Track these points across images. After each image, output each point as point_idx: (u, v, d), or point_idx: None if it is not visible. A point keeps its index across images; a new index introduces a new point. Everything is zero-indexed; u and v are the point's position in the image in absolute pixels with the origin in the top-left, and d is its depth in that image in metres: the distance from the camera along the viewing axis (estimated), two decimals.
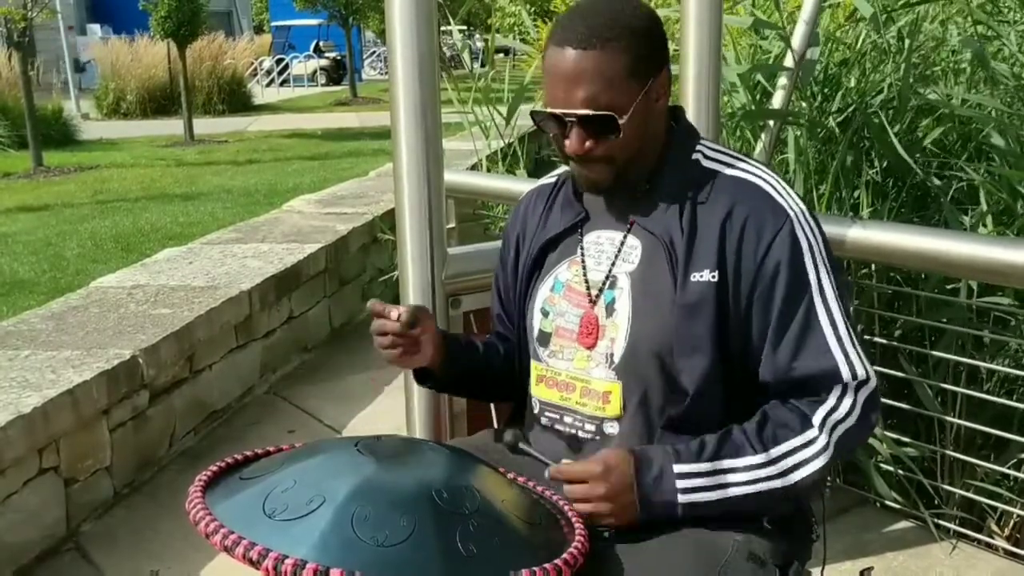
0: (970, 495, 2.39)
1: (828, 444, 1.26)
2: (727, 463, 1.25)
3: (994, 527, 2.42)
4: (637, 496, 1.24)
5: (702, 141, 1.41)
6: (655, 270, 1.33)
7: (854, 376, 1.28)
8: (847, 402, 1.28)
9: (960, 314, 2.40)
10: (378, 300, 1.40)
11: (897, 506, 2.50)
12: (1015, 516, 2.38)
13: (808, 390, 1.29)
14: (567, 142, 1.31)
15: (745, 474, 1.25)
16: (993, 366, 2.37)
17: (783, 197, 1.32)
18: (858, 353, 1.30)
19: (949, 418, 2.37)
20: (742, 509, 1.27)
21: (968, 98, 2.64)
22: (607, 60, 1.26)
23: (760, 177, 1.34)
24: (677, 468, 1.24)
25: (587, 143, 1.30)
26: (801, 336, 1.28)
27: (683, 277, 1.30)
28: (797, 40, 2.39)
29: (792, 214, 1.30)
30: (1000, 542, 2.39)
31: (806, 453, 1.26)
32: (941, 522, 2.42)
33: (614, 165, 1.32)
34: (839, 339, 1.28)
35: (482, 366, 1.56)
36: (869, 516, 2.54)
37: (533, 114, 1.36)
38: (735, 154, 1.40)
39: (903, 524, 2.50)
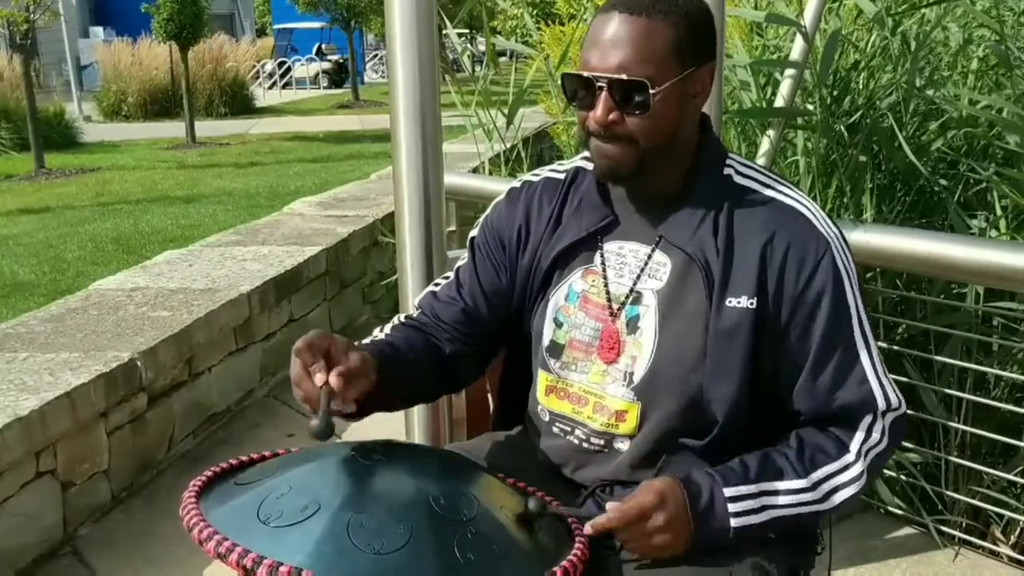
0: (975, 502, 2.37)
1: (863, 471, 1.26)
2: (771, 486, 1.23)
3: (998, 534, 2.40)
4: (692, 523, 1.20)
5: (731, 155, 1.36)
6: (687, 291, 1.28)
7: (888, 404, 1.27)
8: (877, 430, 1.28)
9: (966, 319, 2.39)
10: (304, 348, 1.16)
11: (900, 512, 2.48)
12: (1021, 523, 2.36)
13: (844, 419, 1.28)
14: (592, 113, 1.22)
15: (788, 497, 1.24)
16: (999, 371, 2.35)
17: (821, 223, 1.28)
18: (889, 380, 1.29)
19: (953, 424, 2.35)
20: (782, 529, 1.25)
21: (979, 99, 2.62)
22: (653, 30, 1.20)
23: (798, 201, 1.30)
24: (727, 492, 1.21)
25: (612, 114, 1.22)
26: (843, 366, 1.26)
27: (719, 301, 1.25)
28: (808, 17, 2.36)
29: (831, 240, 1.27)
30: (1004, 549, 2.36)
31: (844, 478, 1.25)
32: (944, 529, 2.40)
33: (637, 148, 1.24)
34: (874, 368, 1.27)
35: (415, 375, 1.37)
36: (872, 522, 2.52)
37: (563, 76, 1.27)
38: (766, 172, 1.35)
39: (906, 530, 2.48)
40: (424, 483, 1.15)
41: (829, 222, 1.30)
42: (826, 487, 1.25)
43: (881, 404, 1.27)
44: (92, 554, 2.59)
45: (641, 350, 1.30)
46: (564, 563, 1.11)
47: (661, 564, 1.22)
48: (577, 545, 1.17)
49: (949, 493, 2.41)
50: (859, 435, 1.27)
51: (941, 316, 2.44)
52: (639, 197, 1.34)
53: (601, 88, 1.22)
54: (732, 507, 1.21)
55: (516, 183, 1.49)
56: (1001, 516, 2.38)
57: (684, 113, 1.26)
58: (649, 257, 1.32)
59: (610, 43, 1.21)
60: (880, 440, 1.28)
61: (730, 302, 1.25)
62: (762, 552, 1.25)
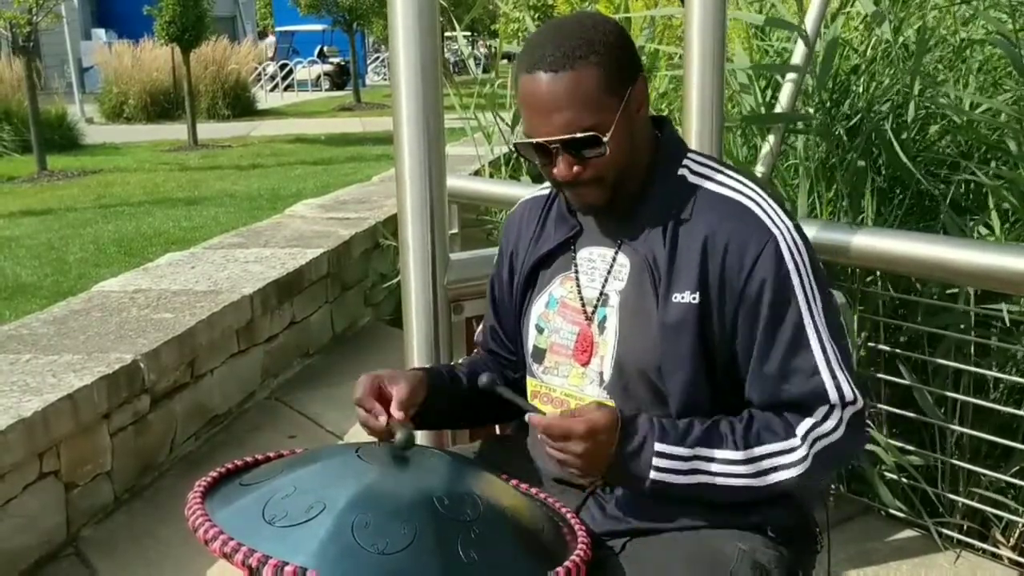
0: (974, 504, 2.38)
1: (807, 456, 1.25)
2: (707, 452, 1.25)
3: (999, 536, 2.41)
4: (611, 461, 1.23)
5: (689, 154, 1.39)
6: (641, 289, 1.33)
7: (841, 398, 1.27)
8: (832, 420, 1.27)
9: (960, 320, 2.39)
10: (364, 397, 1.32)
11: (901, 515, 2.48)
12: (1020, 525, 2.37)
13: (795, 409, 1.28)
14: (555, 170, 1.29)
15: (721, 466, 1.25)
16: (994, 373, 2.35)
17: (767, 215, 1.29)
18: (846, 374, 1.28)
19: (952, 426, 2.35)
20: (709, 497, 1.26)
21: (980, 101, 2.62)
22: (582, 80, 1.23)
23: (744, 195, 1.31)
24: (658, 447, 1.23)
25: (575, 167, 1.27)
26: (789, 357, 1.27)
27: (665, 297, 1.29)
28: (810, 21, 2.37)
29: (777, 232, 1.28)
30: (1005, 551, 2.37)
31: (784, 460, 1.26)
32: (945, 531, 2.41)
33: (605, 184, 1.30)
34: (827, 360, 1.27)
35: (466, 398, 1.50)
36: (873, 525, 2.52)
37: (516, 145, 1.34)
38: (722, 168, 1.37)
39: (907, 533, 2.48)
40: (428, 483, 1.16)
41: (780, 216, 1.30)
42: (764, 464, 1.25)
43: (833, 397, 1.26)
44: (94, 555, 2.59)
45: (607, 349, 1.34)
46: (567, 563, 1.12)
47: (660, 565, 1.24)
48: (580, 545, 1.18)
49: (949, 495, 2.41)
50: (809, 420, 1.27)
51: (934, 318, 2.44)
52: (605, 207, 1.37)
53: (556, 149, 1.26)
54: (657, 461, 1.23)
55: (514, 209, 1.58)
56: (1000, 518, 2.39)
57: (635, 132, 1.31)
58: (613, 260, 1.37)
59: (549, 105, 1.24)
60: (834, 430, 1.27)
61: (675, 297, 1.29)
62: (761, 551, 1.26)
